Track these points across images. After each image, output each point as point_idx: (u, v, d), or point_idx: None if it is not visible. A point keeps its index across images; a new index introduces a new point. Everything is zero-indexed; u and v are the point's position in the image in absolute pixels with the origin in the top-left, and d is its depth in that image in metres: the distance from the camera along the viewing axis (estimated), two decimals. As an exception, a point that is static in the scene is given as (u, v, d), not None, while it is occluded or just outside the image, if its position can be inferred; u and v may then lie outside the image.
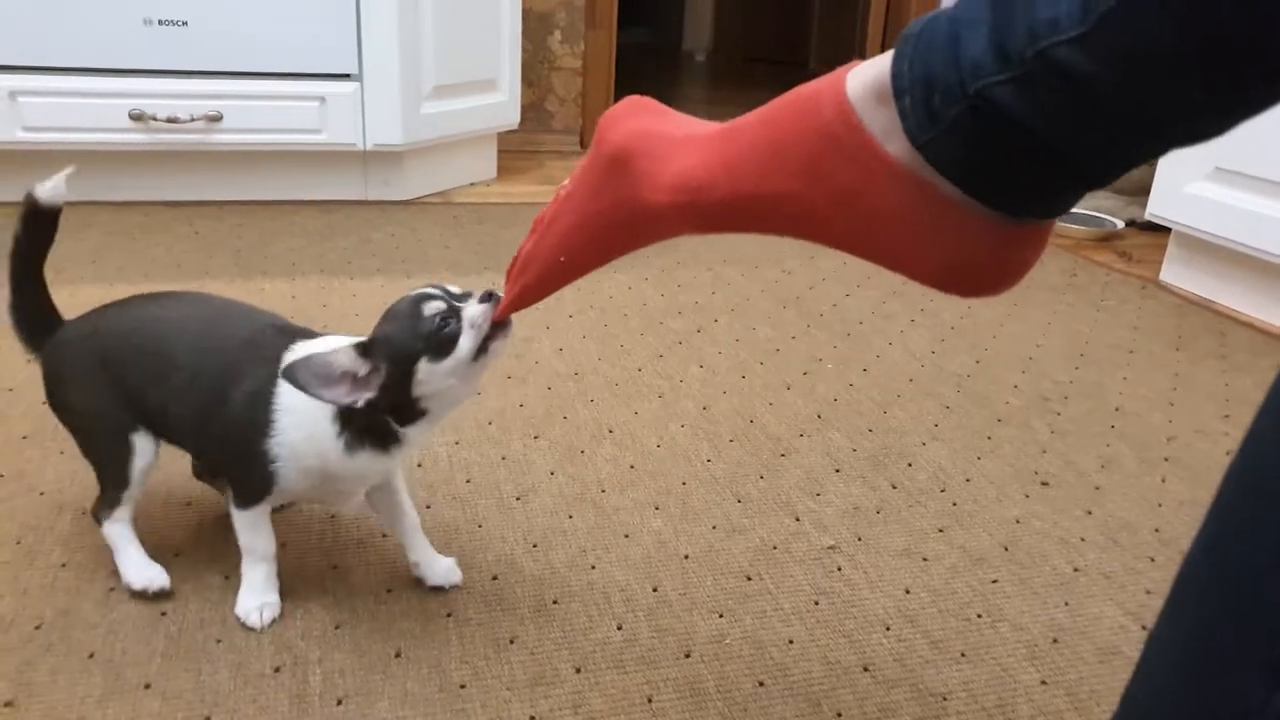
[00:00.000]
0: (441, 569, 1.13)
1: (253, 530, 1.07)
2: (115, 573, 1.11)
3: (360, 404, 0.96)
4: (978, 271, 0.61)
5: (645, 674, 1.02)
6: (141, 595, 1.08)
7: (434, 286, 0.99)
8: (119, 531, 1.11)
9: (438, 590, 1.12)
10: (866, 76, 0.60)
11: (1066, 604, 1.17)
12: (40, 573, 1.11)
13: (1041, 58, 0.50)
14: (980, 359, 1.84)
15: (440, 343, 0.95)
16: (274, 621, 1.06)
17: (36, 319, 1.13)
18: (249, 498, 1.05)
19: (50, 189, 1.07)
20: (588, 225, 0.79)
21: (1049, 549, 1.27)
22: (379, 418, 0.99)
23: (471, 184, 2.91)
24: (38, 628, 1.03)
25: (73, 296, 1.86)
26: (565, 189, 0.82)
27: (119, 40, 2.31)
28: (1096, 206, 2.78)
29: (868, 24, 4.02)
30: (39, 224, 1.09)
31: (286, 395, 1.00)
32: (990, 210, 0.58)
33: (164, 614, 1.06)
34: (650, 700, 0.99)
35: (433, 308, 0.96)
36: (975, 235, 0.59)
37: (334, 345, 0.98)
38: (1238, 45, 0.45)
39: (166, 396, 1.06)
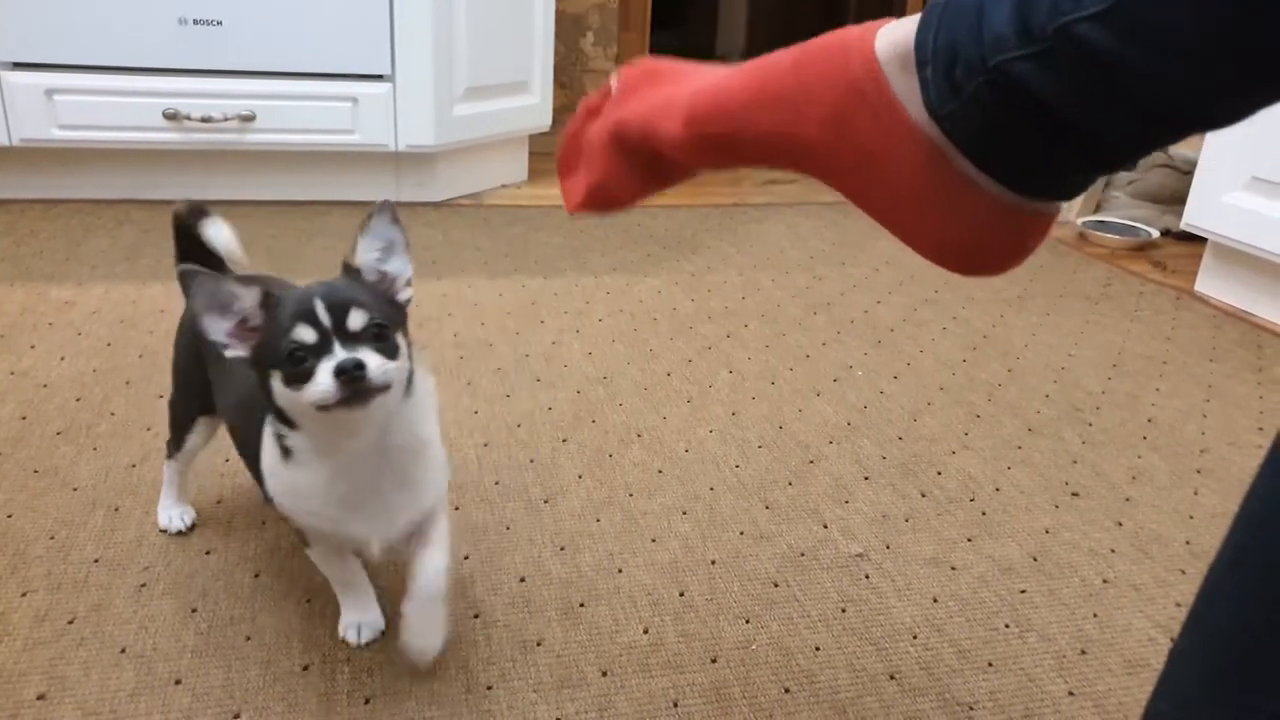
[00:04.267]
0: (415, 645, 0.99)
1: (322, 564, 1.04)
2: (147, 569, 1.13)
3: (230, 354, 0.87)
4: (976, 250, 0.61)
5: (671, 678, 1.02)
6: (164, 532, 1.20)
7: (327, 307, 0.85)
8: (168, 475, 1.21)
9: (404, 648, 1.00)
10: (895, 37, 0.59)
11: (1095, 615, 1.16)
12: (73, 568, 1.13)
13: (1062, 33, 0.49)
14: (1012, 368, 1.82)
15: (291, 376, 0.84)
16: (374, 639, 1.04)
17: (195, 262, 1.10)
18: (301, 539, 1.02)
19: (216, 235, 1.09)
20: (606, 182, 0.76)
21: (1078, 560, 1.26)
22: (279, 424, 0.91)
23: (503, 186, 2.92)
24: (70, 622, 1.05)
25: (107, 294, 1.89)
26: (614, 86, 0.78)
27: (153, 39, 2.33)
28: (1131, 216, 2.75)
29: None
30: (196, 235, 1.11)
31: (269, 427, 0.93)
32: (1000, 188, 0.58)
33: (194, 610, 1.07)
34: (676, 705, 0.99)
35: (299, 336, 0.84)
36: (981, 212, 0.59)
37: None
38: (1252, 30, 0.45)
39: (232, 414, 1.06)
